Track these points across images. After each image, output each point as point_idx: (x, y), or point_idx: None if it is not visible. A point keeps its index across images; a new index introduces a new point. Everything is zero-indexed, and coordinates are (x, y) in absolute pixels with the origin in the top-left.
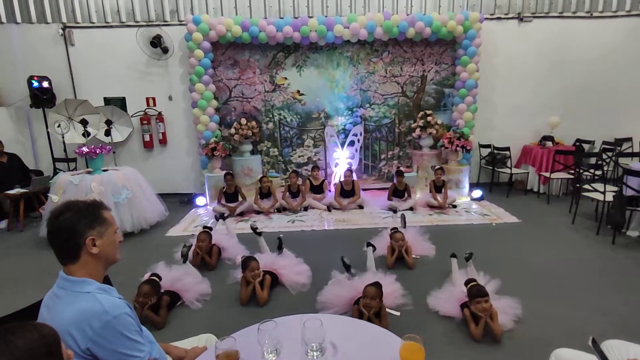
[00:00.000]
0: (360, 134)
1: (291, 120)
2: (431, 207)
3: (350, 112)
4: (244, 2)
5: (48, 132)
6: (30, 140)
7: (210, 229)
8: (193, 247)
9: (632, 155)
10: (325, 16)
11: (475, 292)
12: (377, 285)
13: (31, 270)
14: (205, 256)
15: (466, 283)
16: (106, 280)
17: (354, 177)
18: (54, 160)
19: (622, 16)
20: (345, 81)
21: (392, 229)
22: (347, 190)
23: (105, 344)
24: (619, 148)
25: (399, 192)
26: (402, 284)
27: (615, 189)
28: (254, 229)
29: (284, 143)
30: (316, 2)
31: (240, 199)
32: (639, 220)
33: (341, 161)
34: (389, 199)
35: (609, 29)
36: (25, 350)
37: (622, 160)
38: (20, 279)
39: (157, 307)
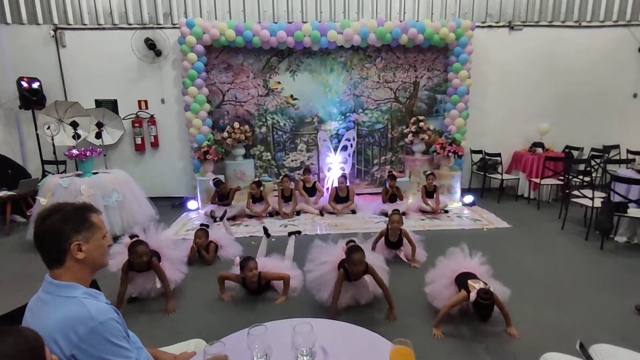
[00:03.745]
0: (353, 139)
1: (284, 124)
2: (423, 212)
3: (343, 117)
4: (237, 6)
5: (37, 134)
6: (19, 142)
7: (207, 226)
8: (190, 244)
9: (620, 162)
10: (319, 21)
11: (485, 316)
12: (359, 249)
13: (17, 274)
14: (203, 252)
15: (480, 296)
16: (93, 285)
17: (347, 182)
18: (43, 162)
19: (610, 26)
20: (339, 86)
21: (393, 210)
22: (341, 197)
23: (91, 350)
24: (606, 155)
25: (392, 195)
26: (394, 288)
27: (603, 195)
28: (265, 230)
29: (277, 147)
30: (310, 7)
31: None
32: (627, 226)
33: (334, 166)
34: (384, 202)
35: (597, 38)
36: (7, 355)
37: (609, 167)
38: (5, 282)
39: (149, 268)
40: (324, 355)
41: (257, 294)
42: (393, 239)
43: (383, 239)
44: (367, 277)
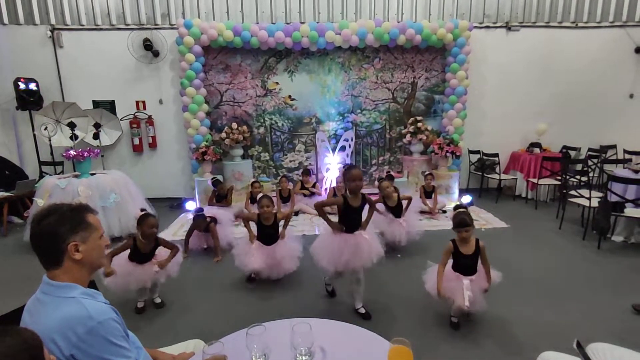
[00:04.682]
0: (352, 139)
1: (282, 125)
2: (421, 212)
3: (341, 118)
4: (236, 7)
5: (34, 135)
6: (16, 143)
7: (202, 209)
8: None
9: (617, 162)
10: (317, 22)
11: (458, 222)
12: (356, 166)
13: (14, 275)
14: (217, 248)
15: (455, 208)
16: (91, 285)
17: None
18: (40, 163)
19: (606, 27)
20: (337, 87)
21: (378, 179)
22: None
23: (90, 350)
24: (603, 155)
25: None
26: (392, 288)
27: (601, 195)
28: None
29: (275, 148)
30: (308, 8)
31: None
32: (624, 225)
33: (332, 166)
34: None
35: (593, 39)
36: (6, 355)
37: (606, 167)
38: (2, 284)
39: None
40: (322, 355)
41: (270, 238)
42: (392, 204)
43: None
44: (366, 235)
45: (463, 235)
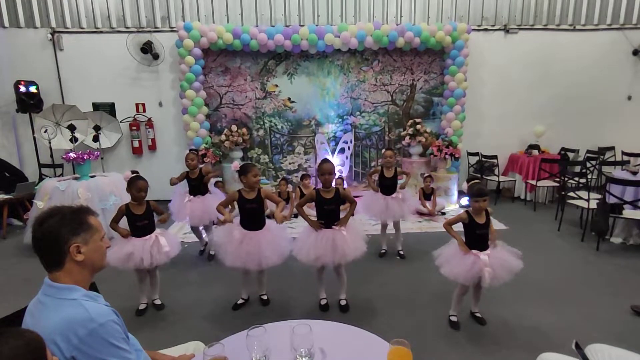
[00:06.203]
0: (351, 142)
1: (282, 127)
2: (420, 214)
3: (340, 120)
4: (235, 10)
5: (34, 138)
6: (16, 146)
7: (196, 150)
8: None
9: (615, 163)
10: (316, 25)
11: (476, 191)
12: (329, 160)
13: (15, 278)
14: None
15: (468, 180)
16: (92, 287)
17: (345, 185)
18: (40, 165)
19: (604, 29)
20: (336, 89)
21: (385, 149)
22: None
23: (91, 352)
24: (602, 157)
25: None
26: (390, 289)
27: (599, 196)
28: None
29: (275, 150)
30: (307, 10)
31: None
32: (622, 227)
33: None
34: None
35: (591, 41)
36: (9, 356)
37: (605, 169)
38: (3, 286)
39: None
40: (322, 356)
41: (253, 219)
42: (388, 174)
43: (378, 177)
44: (343, 231)
45: (481, 204)
